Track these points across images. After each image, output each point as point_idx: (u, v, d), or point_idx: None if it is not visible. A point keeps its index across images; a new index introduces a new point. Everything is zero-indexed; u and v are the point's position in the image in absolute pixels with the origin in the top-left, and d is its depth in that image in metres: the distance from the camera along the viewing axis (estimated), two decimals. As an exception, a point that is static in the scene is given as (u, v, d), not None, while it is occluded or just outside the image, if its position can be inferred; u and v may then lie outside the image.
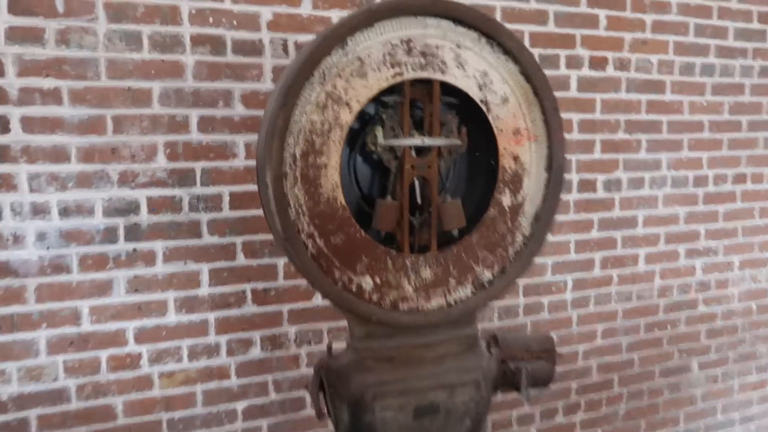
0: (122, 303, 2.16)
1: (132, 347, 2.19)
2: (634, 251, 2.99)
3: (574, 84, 2.74)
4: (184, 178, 2.18)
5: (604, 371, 3.03)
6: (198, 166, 2.20)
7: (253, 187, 2.20)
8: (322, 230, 1.45)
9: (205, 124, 2.19)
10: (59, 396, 2.10)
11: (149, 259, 2.17)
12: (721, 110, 3.07)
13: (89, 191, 2.07)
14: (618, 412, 3.08)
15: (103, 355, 2.16)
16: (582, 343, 2.96)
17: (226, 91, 2.20)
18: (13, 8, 1.93)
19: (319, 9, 2.30)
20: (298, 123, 1.40)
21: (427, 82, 1.52)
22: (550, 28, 2.67)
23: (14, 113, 1.98)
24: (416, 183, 1.58)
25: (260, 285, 2.34)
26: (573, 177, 2.80)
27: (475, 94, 1.55)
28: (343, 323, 1.58)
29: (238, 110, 2.22)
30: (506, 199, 1.61)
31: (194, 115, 2.17)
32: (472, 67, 1.53)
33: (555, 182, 1.64)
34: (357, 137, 1.60)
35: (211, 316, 2.28)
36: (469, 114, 1.58)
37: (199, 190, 2.20)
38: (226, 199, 2.24)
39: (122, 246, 2.13)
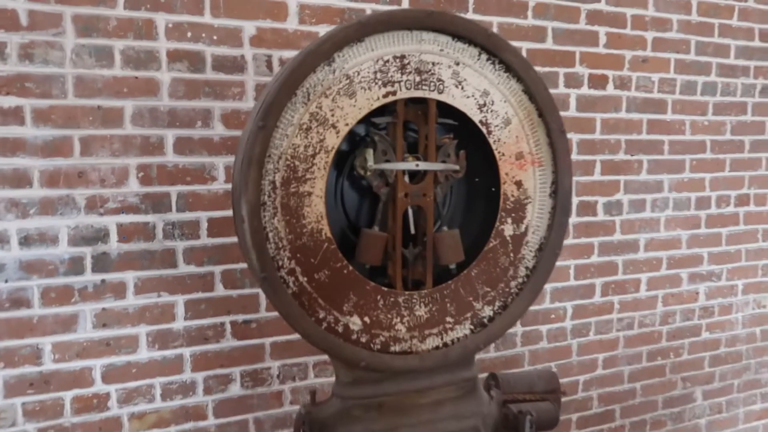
0: (89, 339, 2.02)
1: (99, 387, 2.05)
2: (636, 276, 2.94)
3: (573, 103, 2.68)
4: (158, 204, 2.05)
5: (606, 402, 2.97)
6: (173, 190, 2.07)
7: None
8: (304, 266, 1.32)
9: (182, 146, 2.07)
10: (18, 442, 1.94)
11: (119, 291, 2.04)
12: (723, 130, 3.04)
13: (53, 218, 1.94)
14: (620, 446, 3.00)
15: (67, 396, 2.01)
16: (582, 374, 2.89)
17: (204, 111, 2.09)
18: (-28, 21, 1.80)
19: (306, 24, 2.19)
20: (279, 147, 1.27)
21: (423, 102, 1.42)
22: (549, 45, 2.61)
23: (-29, 134, 1.86)
24: (410, 212, 1.45)
25: (240, 317, 2.21)
26: (573, 200, 2.70)
27: (475, 115, 1.44)
28: (331, 359, 1.44)
29: (218, 131, 2.11)
30: (508, 229, 1.50)
31: (170, 135, 2.05)
32: (472, 86, 1.42)
33: (561, 210, 1.53)
34: (345, 160, 1.47)
35: (187, 352, 2.15)
36: (468, 136, 1.47)
37: (174, 216, 2.08)
38: (204, 225, 2.12)
39: (89, 277, 2.00)
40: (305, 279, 1.32)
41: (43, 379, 1.96)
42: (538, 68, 2.51)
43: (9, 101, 1.85)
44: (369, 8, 2.26)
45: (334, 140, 1.32)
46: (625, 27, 2.74)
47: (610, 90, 2.75)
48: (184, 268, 2.10)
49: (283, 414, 2.30)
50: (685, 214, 2.99)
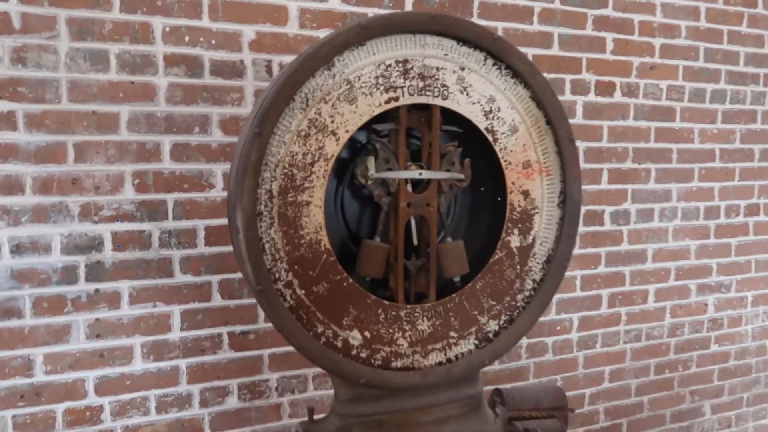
0: (82, 350, 1.97)
1: (92, 399, 2.00)
2: (644, 287, 2.90)
3: (579, 110, 2.64)
4: (154, 211, 2.01)
5: (613, 416, 2.91)
6: (170, 197, 2.02)
7: (231, 221, 2.02)
8: (302, 278, 1.27)
9: (179, 152, 2.03)
10: (8, 456, 1.89)
11: (113, 300, 1.99)
12: (732, 138, 2.99)
13: (46, 226, 1.89)
14: (628, 461, 2.96)
15: (59, 408, 1.96)
16: (589, 387, 2.84)
17: (202, 116, 2.04)
18: (-36, 23, 1.77)
19: (306, 28, 2.14)
20: (276, 155, 1.22)
21: (426, 108, 1.36)
22: (555, 51, 2.57)
23: (-38, 139, 1.82)
24: (412, 222, 1.40)
25: (238, 328, 2.16)
26: (581, 209, 2.65)
27: (480, 122, 1.39)
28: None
29: (216, 137, 2.06)
30: (515, 240, 1.45)
31: (167, 141, 2.00)
32: (477, 92, 1.37)
33: (570, 220, 1.49)
34: (346, 168, 1.42)
35: (183, 363, 2.10)
36: (474, 144, 1.42)
37: (171, 224, 2.03)
38: (201, 233, 2.08)
39: (83, 287, 1.95)
40: (303, 292, 1.27)
41: (34, 391, 1.92)
42: (544, 75, 2.49)
43: (1, 106, 1.81)
44: (371, 12, 2.21)
45: (333, 148, 1.27)
46: (633, 33, 2.71)
47: (618, 97, 2.71)
48: (180, 278, 2.05)
49: (282, 427, 2.25)
50: (694, 224, 2.95)
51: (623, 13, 2.67)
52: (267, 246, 1.23)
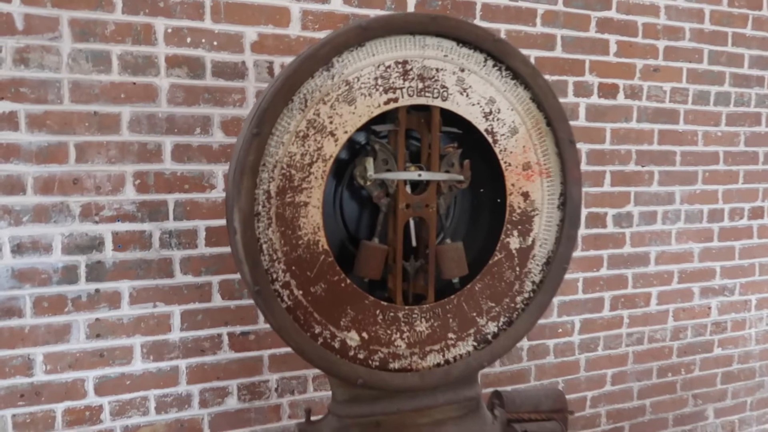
0: (82, 350, 1.97)
1: (92, 399, 2.00)
2: (646, 290, 2.88)
3: (582, 112, 2.63)
4: (155, 212, 2.01)
5: (614, 419, 2.90)
6: (171, 198, 2.02)
7: (232, 222, 2.02)
8: (300, 279, 1.27)
9: (180, 153, 2.03)
10: (8, 455, 1.89)
11: (114, 300, 1.99)
12: (736, 141, 2.97)
13: (47, 226, 1.89)
14: (629, 465, 2.94)
15: (59, 408, 1.96)
16: (590, 390, 2.83)
17: (204, 117, 2.04)
18: (-33, 24, 1.77)
19: (308, 30, 2.15)
20: (274, 155, 1.22)
21: (426, 110, 1.36)
22: (558, 53, 2.56)
23: (-36, 139, 1.83)
24: (411, 223, 1.39)
25: (238, 328, 2.16)
26: (581, 211, 2.63)
27: (480, 124, 1.38)
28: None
29: (218, 138, 2.06)
30: (514, 242, 1.45)
31: (168, 142, 2.01)
32: (477, 93, 1.37)
33: (570, 222, 1.48)
34: (345, 169, 1.42)
35: (183, 364, 2.10)
36: (473, 146, 1.42)
37: (171, 224, 2.03)
38: (202, 234, 2.08)
39: (83, 286, 1.95)
40: (301, 292, 1.27)
41: (34, 390, 1.92)
42: (547, 77, 2.48)
43: (3, 106, 1.81)
44: (373, 14, 2.21)
45: (332, 148, 1.27)
46: (637, 35, 2.70)
47: (621, 99, 2.69)
48: (180, 278, 2.05)
49: (282, 428, 2.25)
50: (698, 226, 2.93)
51: (627, 15, 2.66)
52: (265, 246, 1.23)
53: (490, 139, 1.39)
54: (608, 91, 2.66)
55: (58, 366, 1.94)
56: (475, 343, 1.44)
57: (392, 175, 1.35)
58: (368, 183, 1.34)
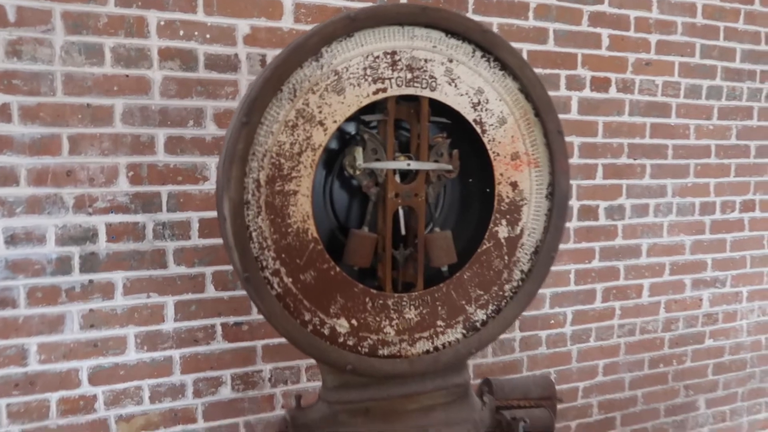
0: (75, 340, 1.98)
1: (86, 389, 2.01)
2: (638, 282, 2.90)
3: (575, 106, 2.64)
4: (148, 203, 2.02)
5: (606, 409, 2.92)
6: (164, 190, 2.04)
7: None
8: (289, 266, 1.28)
9: (173, 145, 2.04)
10: (3, 444, 1.91)
11: (107, 291, 2.00)
12: (728, 135, 2.99)
13: (40, 217, 1.91)
14: (621, 455, 2.96)
15: (53, 397, 1.98)
16: (582, 380, 2.85)
17: (197, 110, 2.06)
18: (-41, 17, 1.78)
19: (301, 23, 2.16)
20: (264, 144, 1.23)
21: (414, 100, 1.37)
22: (550, 46, 2.57)
23: (-43, 131, 1.83)
24: (400, 212, 1.41)
25: (232, 319, 2.18)
26: (573, 204, 2.70)
27: (469, 114, 1.40)
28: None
29: (210, 130, 2.07)
30: (503, 231, 1.46)
31: (161, 134, 2.02)
32: (466, 84, 1.38)
33: (557, 212, 1.49)
34: (335, 159, 1.43)
35: (176, 354, 2.12)
36: (462, 136, 1.43)
37: (164, 216, 2.05)
38: (195, 225, 2.09)
39: (77, 277, 1.96)
40: (290, 280, 1.28)
41: (28, 380, 1.93)
42: (539, 70, 2.52)
43: (-4, 98, 1.83)
44: (365, 6, 2.22)
45: (321, 138, 1.28)
46: (629, 29, 2.71)
47: (613, 93, 2.71)
48: (174, 269, 2.07)
49: (275, 418, 2.26)
50: (689, 219, 2.95)
51: (619, 9, 2.67)
52: (254, 234, 1.24)
53: (478, 130, 1.41)
54: (600, 84, 2.67)
55: (53, 356, 1.95)
56: (463, 331, 1.46)
57: (381, 164, 1.36)
58: (357, 172, 1.35)
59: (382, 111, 1.36)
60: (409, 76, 1.34)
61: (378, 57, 1.31)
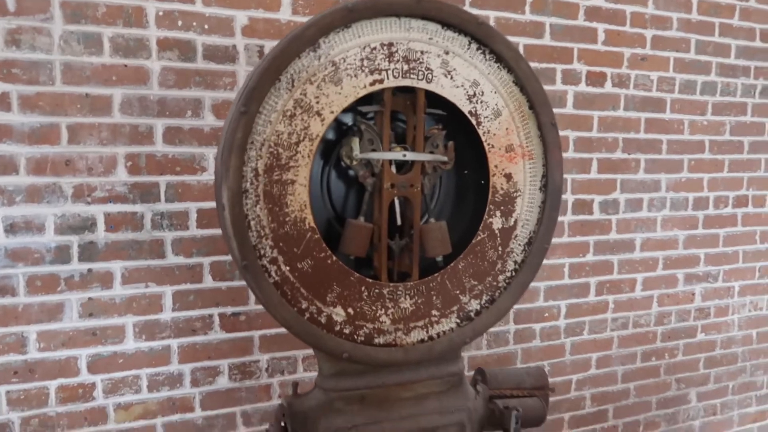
0: (74, 328, 1.99)
1: (85, 377, 2.03)
2: (632, 276, 2.92)
3: (570, 100, 2.66)
4: (146, 193, 2.03)
5: (599, 402, 2.94)
6: (162, 180, 2.05)
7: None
8: (287, 255, 1.30)
9: (172, 135, 2.05)
10: (1, 431, 1.91)
11: (106, 280, 2.02)
12: (722, 130, 3.00)
13: (39, 206, 1.91)
14: (613, 447, 2.98)
15: (52, 385, 1.99)
16: (575, 373, 2.87)
17: (195, 100, 2.06)
18: (-41, 5, 1.79)
19: (299, 14, 2.17)
20: (262, 134, 1.25)
21: (411, 91, 1.39)
22: (546, 41, 2.58)
23: (-43, 119, 1.84)
24: (396, 203, 1.43)
25: (229, 309, 2.19)
26: (568, 197, 2.71)
27: (464, 106, 1.41)
28: (319, 353, 1.41)
29: (208, 120, 2.08)
30: (497, 222, 1.48)
31: (159, 125, 2.03)
32: (461, 76, 1.40)
33: (551, 204, 1.51)
34: (332, 149, 1.44)
35: (174, 343, 2.13)
36: (457, 127, 1.44)
37: (163, 206, 2.05)
38: (193, 216, 2.10)
39: (76, 266, 1.97)
40: (288, 268, 1.30)
41: (27, 367, 1.95)
42: (535, 64, 2.54)
43: (-5, 87, 1.83)
44: None
45: (318, 128, 1.29)
46: (625, 24, 2.72)
47: (609, 88, 2.72)
48: (172, 259, 2.08)
49: (272, 407, 2.28)
50: (683, 214, 2.97)
51: (615, 4, 2.68)
52: (252, 223, 1.26)
53: (473, 121, 1.42)
54: (596, 79, 2.69)
55: (52, 344, 1.97)
56: (458, 320, 1.48)
57: (378, 155, 1.38)
58: (354, 163, 1.37)
59: (378, 102, 1.38)
60: (405, 67, 1.35)
61: (375, 48, 1.32)
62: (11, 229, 1.89)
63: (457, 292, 1.46)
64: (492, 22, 2.46)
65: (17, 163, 1.87)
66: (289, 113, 1.26)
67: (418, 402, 1.46)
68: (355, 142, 1.36)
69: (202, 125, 2.07)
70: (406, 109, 1.42)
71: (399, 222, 1.44)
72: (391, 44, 1.33)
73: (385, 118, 1.38)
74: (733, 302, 3.18)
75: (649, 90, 2.81)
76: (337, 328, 1.36)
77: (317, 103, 1.28)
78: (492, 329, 2.53)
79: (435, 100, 1.41)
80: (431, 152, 1.43)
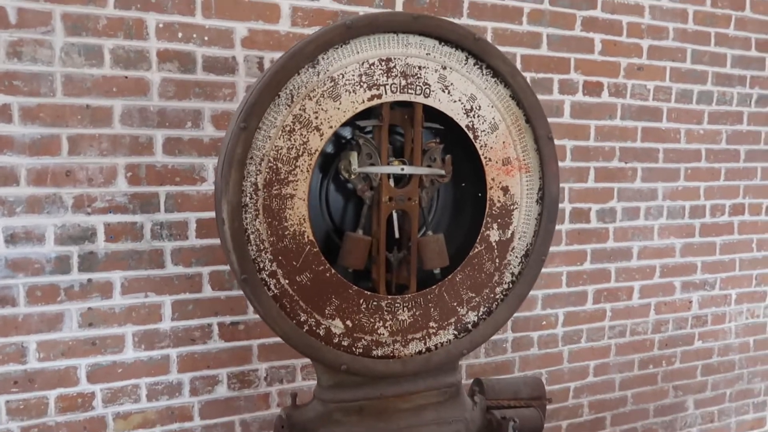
0: (74, 338, 2.00)
1: (84, 386, 2.03)
2: (629, 284, 2.93)
3: (567, 109, 2.67)
4: (146, 204, 2.04)
5: (596, 409, 2.95)
6: (162, 190, 2.06)
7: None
8: (286, 268, 1.31)
9: (171, 146, 2.06)
10: (1, 440, 1.93)
11: (106, 290, 2.02)
12: (718, 139, 3.02)
13: (40, 217, 1.92)
14: (611, 454, 2.99)
15: (52, 395, 2.00)
16: (573, 381, 2.88)
17: (194, 111, 2.08)
18: (-40, 18, 1.80)
19: (298, 26, 2.18)
20: (261, 149, 1.26)
21: (408, 106, 1.41)
22: (543, 51, 2.59)
23: (-42, 131, 1.85)
24: (394, 216, 1.44)
25: (228, 318, 2.20)
26: (565, 206, 2.72)
27: (461, 120, 1.43)
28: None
29: (208, 131, 2.09)
30: (494, 235, 1.49)
31: (159, 136, 2.04)
32: (459, 91, 1.42)
33: (548, 216, 1.53)
34: (331, 163, 1.46)
35: (174, 353, 2.13)
36: (455, 141, 1.46)
37: (162, 216, 2.06)
38: (193, 226, 2.11)
39: (75, 276, 1.98)
40: (287, 281, 1.31)
41: (27, 377, 1.95)
42: (532, 74, 2.55)
43: (-3, 99, 1.84)
44: (362, 11, 2.25)
45: (317, 143, 1.31)
46: (621, 34, 2.73)
47: (605, 97, 2.74)
48: (171, 269, 2.09)
49: (270, 416, 2.28)
50: (679, 222, 2.98)
51: (612, 14, 2.70)
52: (252, 237, 1.27)
53: (471, 135, 1.44)
54: (593, 89, 2.70)
55: (51, 354, 1.97)
56: (455, 332, 1.49)
57: (376, 169, 1.39)
58: (353, 176, 1.39)
59: (376, 117, 1.39)
60: (403, 82, 1.37)
61: (373, 64, 1.34)
62: (11, 239, 1.89)
63: (455, 304, 1.48)
64: (489, 33, 2.48)
65: (18, 174, 1.88)
66: (288, 128, 1.28)
67: (416, 413, 1.48)
68: (354, 156, 1.37)
69: (201, 136, 2.08)
70: (404, 123, 1.43)
71: (397, 235, 1.45)
72: (389, 60, 1.35)
73: (383, 133, 1.39)
74: (730, 310, 3.19)
75: (645, 99, 2.82)
76: (336, 340, 1.38)
77: (316, 118, 1.30)
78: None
79: (433, 114, 1.42)
80: (429, 166, 1.44)
